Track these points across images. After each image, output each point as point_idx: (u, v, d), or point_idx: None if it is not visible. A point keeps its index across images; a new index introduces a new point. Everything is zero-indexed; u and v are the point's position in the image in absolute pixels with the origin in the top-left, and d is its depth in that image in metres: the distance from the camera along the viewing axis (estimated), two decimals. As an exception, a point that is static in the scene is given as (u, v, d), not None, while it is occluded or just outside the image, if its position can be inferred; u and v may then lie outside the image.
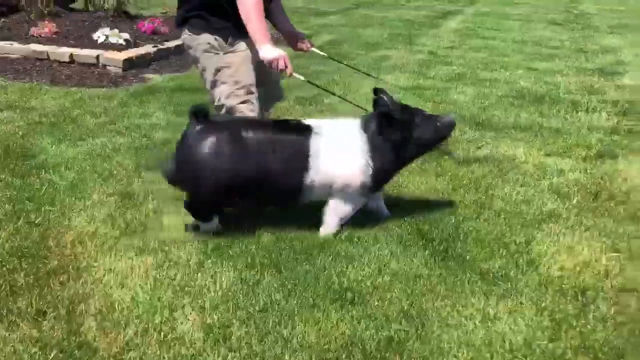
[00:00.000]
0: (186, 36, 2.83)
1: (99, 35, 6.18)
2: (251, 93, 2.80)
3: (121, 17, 7.12)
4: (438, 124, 2.73)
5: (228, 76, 2.74)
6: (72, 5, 7.81)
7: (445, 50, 7.39)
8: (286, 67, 2.66)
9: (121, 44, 6.11)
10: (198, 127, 2.54)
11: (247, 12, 2.60)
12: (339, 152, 2.62)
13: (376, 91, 2.73)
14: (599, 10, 12.83)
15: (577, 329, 2.12)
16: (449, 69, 6.27)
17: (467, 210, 2.99)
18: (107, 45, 6.06)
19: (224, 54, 2.71)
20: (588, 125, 4.44)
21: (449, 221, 2.85)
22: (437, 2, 14.35)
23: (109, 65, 5.70)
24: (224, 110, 2.82)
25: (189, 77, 5.60)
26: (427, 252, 2.60)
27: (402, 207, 2.99)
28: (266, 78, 2.90)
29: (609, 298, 2.30)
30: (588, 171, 3.56)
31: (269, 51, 2.61)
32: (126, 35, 6.24)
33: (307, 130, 2.63)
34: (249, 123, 2.67)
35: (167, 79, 5.51)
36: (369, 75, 2.98)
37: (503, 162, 3.66)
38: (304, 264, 2.48)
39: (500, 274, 2.44)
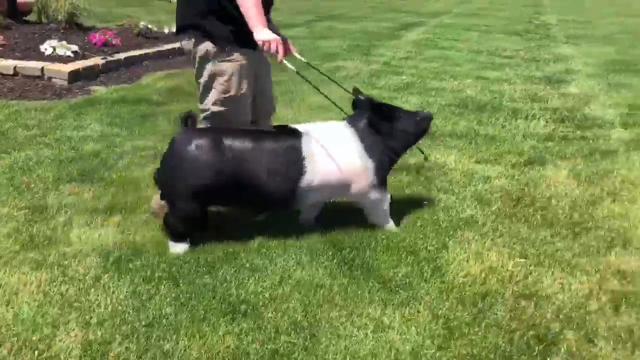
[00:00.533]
0: (185, 42, 2.79)
1: (46, 47, 6.08)
2: (239, 102, 2.77)
3: (73, 29, 7.02)
4: (418, 118, 2.82)
5: (219, 84, 2.72)
6: (26, 18, 7.71)
7: (400, 61, 7.41)
8: (277, 52, 2.59)
9: (69, 56, 6.01)
10: (184, 133, 2.55)
11: (246, 2, 2.54)
12: (335, 153, 2.62)
13: (354, 92, 2.81)
14: (559, 21, 13.03)
15: (469, 336, 2.07)
16: (398, 78, 6.27)
17: (385, 218, 2.95)
18: (54, 58, 5.96)
19: (219, 61, 2.68)
20: (524, 132, 4.44)
21: (363, 229, 2.80)
22: (402, 14, 14.50)
23: (54, 78, 5.59)
24: (208, 115, 2.81)
25: (134, 88, 5.54)
26: (334, 261, 2.54)
27: (317, 216, 2.95)
28: (259, 91, 2.88)
29: (507, 304, 2.26)
30: (515, 177, 3.55)
31: (263, 33, 2.56)
32: (75, 47, 6.15)
33: (299, 135, 2.62)
34: (236, 130, 2.66)
35: (111, 90, 5.42)
36: (340, 85, 2.94)
37: (432, 170, 3.64)
38: (205, 276, 2.41)
39: (403, 282, 2.39)
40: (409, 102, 5.25)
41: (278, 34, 2.68)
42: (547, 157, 3.90)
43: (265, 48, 2.56)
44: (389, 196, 2.82)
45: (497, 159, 3.86)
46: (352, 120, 2.73)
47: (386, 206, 2.82)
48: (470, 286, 2.38)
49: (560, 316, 2.20)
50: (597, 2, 19.34)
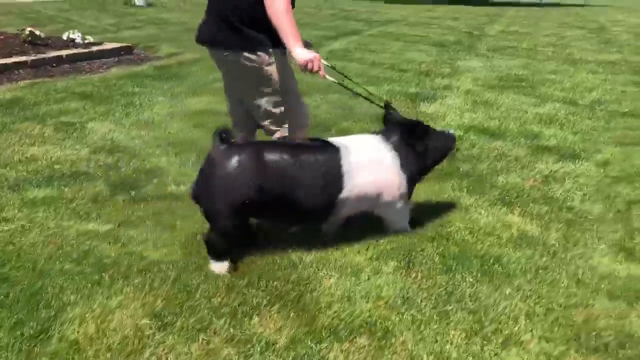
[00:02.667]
0: (222, 54, 2.77)
1: None
2: (297, 98, 2.84)
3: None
4: (445, 137, 2.88)
5: (275, 86, 2.74)
6: None
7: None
8: (319, 69, 2.60)
9: None
10: (222, 148, 2.46)
11: (278, 14, 2.54)
12: (373, 168, 2.63)
13: (386, 107, 2.82)
14: (500, 32, 12.65)
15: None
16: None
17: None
18: None
19: (267, 65, 2.69)
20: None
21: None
22: (353, 22, 14.18)
23: None
24: (271, 120, 2.83)
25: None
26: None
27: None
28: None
29: None
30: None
31: (302, 53, 2.55)
32: None
33: (337, 149, 2.59)
34: (274, 144, 2.68)
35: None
36: (369, 99, 2.91)
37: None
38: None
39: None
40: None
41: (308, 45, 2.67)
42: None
43: (308, 68, 2.56)
44: (407, 205, 2.84)
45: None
46: (386, 135, 2.73)
47: (408, 213, 2.85)
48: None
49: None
50: (564, 15, 18.99)
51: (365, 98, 2.93)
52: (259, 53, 2.68)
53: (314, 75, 2.64)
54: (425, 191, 3.30)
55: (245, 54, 2.68)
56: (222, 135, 2.47)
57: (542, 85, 6.59)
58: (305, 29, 11.53)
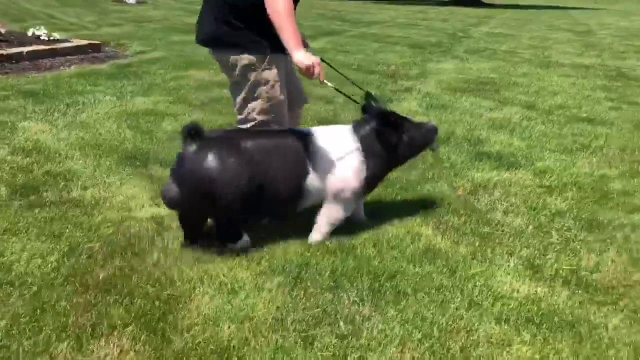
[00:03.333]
0: (219, 52, 2.69)
1: None
2: (283, 106, 2.75)
3: None
4: (424, 129, 2.76)
5: (265, 92, 2.67)
6: None
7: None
8: (319, 74, 2.53)
9: None
10: (195, 146, 2.39)
11: (279, 16, 2.46)
12: (334, 158, 2.57)
13: (367, 96, 2.74)
14: (484, 34, 12.43)
15: None
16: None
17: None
18: None
19: (262, 70, 2.62)
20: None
21: None
22: (339, 23, 13.97)
23: None
24: (253, 124, 2.74)
25: None
26: None
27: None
28: (291, 84, 2.84)
29: None
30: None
31: (303, 57, 2.46)
32: None
33: (301, 137, 2.57)
34: (243, 134, 2.61)
35: None
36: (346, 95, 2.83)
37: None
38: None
39: None
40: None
41: (302, 40, 2.58)
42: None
43: (308, 73, 2.48)
44: (352, 209, 2.75)
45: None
46: (357, 125, 2.67)
47: (342, 217, 2.72)
48: None
49: None
50: (555, 18, 18.75)
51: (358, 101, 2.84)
52: (250, 55, 2.62)
53: (313, 79, 2.55)
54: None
55: (236, 54, 2.63)
56: (191, 132, 2.40)
57: (507, 88, 6.38)
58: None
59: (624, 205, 3.25)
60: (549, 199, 3.29)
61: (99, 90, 5.61)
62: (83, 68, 6.81)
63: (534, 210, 3.13)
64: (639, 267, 2.59)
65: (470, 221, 2.97)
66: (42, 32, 7.74)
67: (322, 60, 2.57)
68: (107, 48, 8.38)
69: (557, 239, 2.82)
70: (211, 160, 2.37)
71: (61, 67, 6.86)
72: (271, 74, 2.64)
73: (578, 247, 2.75)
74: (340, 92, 2.78)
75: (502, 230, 2.89)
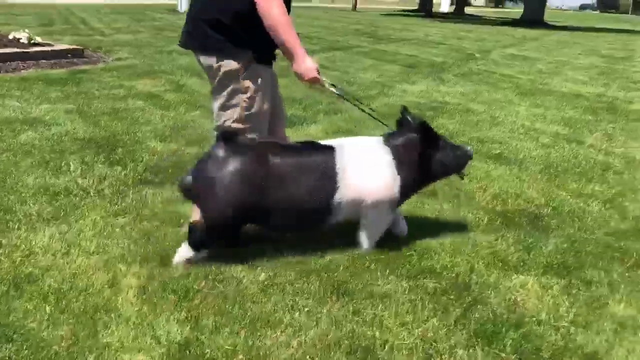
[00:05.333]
0: (203, 58, 2.58)
1: None
2: (261, 118, 2.60)
3: None
4: (459, 152, 2.66)
5: (242, 101, 2.54)
6: None
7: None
8: (323, 81, 2.52)
9: None
10: (225, 149, 2.37)
11: (276, 25, 2.37)
12: (367, 170, 2.49)
13: (402, 110, 2.64)
14: (506, 56, 11.50)
15: None
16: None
17: None
18: None
19: (242, 79, 2.51)
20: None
21: None
22: (359, 38, 13.48)
23: None
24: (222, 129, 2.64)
25: None
26: None
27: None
28: (275, 100, 2.72)
29: None
30: None
31: (305, 63, 2.43)
32: None
33: (332, 149, 2.48)
34: (275, 144, 2.53)
35: None
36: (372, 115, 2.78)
37: None
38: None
39: None
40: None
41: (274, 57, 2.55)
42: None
43: (311, 83, 2.47)
44: (391, 219, 2.66)
45: None
46: (389, 138, 2.58)
47: (383, 229, 2.65)
48: None
49: None
50: (608, 41, 17.22)
51: (364, 112, 2.80)
52: (233, 62, 2.47)
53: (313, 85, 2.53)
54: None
55: (219, 60, 2.49)
56: (225, 137, 2.39)
57: (453, 117, 5.67)
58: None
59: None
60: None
61: (14, 96, 5.49)
62: (37, 72, 6.79)
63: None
64: None
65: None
66: (22, 35, 7.87)
67: (341, 96, 2.64)
68: (91, 54, 8.43)
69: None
70: (234, 167, 2.33)
71: (20, 70, 6.88)
72: (252, 83, 2.51)
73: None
74: (345, 98, 2.71)
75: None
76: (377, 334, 2.07)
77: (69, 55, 7.95)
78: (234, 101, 2.54)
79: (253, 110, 2.55)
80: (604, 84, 8.33)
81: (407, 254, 2.66)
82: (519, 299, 2.36)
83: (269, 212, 2.41)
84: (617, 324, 2.23)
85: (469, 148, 2.72)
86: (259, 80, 2.52)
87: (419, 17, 26.68)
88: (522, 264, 2.66)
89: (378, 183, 2.49)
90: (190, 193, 2.44)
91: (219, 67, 2.50)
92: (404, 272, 2.51)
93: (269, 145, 2.48)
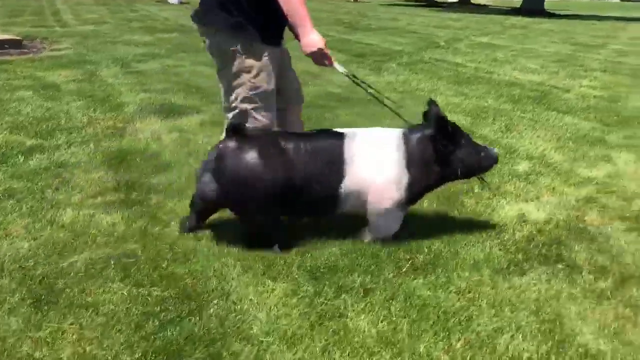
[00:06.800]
0: (207, 34, 2.61)
1: None
2: (267, 98, 2.59)
3: None
4: (483, 153, 2.51)
5: (248, 80, 2.55)
6: None
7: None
8: (329, 57, 2.53)
9: None
10: (236, 143, 2.35)
11: (290, 2, 2.41)
12: (374, 162, 2.39)
13: (429, 103, 2.53)
14: (477, 45, 11.05)
15: None
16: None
17: None
18: None
19: (246, 57, 2.52)
20: None
21: None
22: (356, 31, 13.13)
23: None
24: (236, 112, 2.62)
25: None
26: None
27: None
28: (285, 82, 2.73)
29: None
30: None
31: (312, 36, 2.44)
32: None
33: (342, 138, 2.43)
34: (286, 134, 2.52)
35: None
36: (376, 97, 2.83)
37: None
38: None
39: None
40: None
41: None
42: None
43: (319, 61, 2.50)
44: (401, 219, 2.54)
45: None
46: (407, 131, 2.47)
47: (393, 229, 2.54)
48: None
49: None
50: (603, 29, 16.53)
51: (372, 96, 2.82)
52: (237, 41, 2.48)
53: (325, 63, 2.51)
54: None
55: (224, 38, 2.50)
56: (235, 129, 2.35)
57: (354, 107, 5.35)
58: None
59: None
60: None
61: None
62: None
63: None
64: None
65: None
66: (-42, 26, 7.77)
67: (348, 76, 2.64)
68: (30, 44, 8.32)
69: None
70: (247, 157, 2.31)
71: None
72: (256, 62, 2.51)
73: None
74: (351, 77, 2.68)
75: None
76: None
77: (6, 45, 7.85)
78: (239, 80, 2.52)
79: (259, 90, 2.52)
80: (553, 72, 7.87)
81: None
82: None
83: (294, 198, 2.36)
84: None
85: (495, 151, 2.55)
86: (264, 60, 2.50)
87: (419, 7, 26.02)
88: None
89: (382, 179, 2.38)
90: (217, 198, 2.37)
91: (224, 45, 2.50)
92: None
93: (278, 134, 2.47)
